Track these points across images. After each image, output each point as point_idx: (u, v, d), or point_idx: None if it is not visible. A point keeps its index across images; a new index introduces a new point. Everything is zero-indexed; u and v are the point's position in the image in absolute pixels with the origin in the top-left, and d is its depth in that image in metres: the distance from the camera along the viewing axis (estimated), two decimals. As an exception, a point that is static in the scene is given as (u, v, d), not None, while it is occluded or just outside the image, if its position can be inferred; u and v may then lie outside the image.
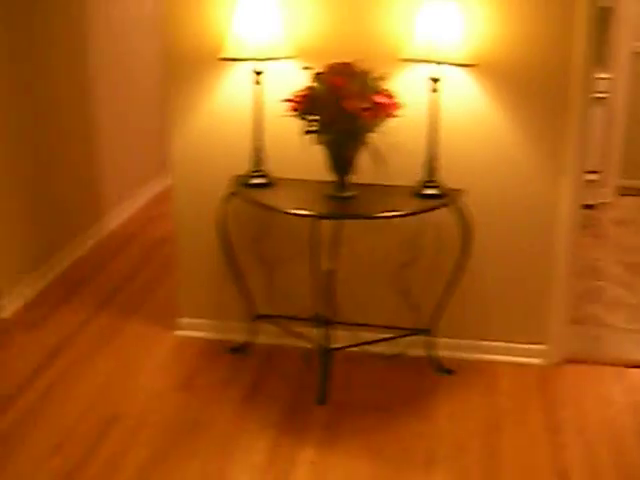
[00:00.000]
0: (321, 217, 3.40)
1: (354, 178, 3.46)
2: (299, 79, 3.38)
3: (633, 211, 6.53)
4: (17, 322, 4.29)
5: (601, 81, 5.87)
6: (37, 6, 4.55)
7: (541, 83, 3.54)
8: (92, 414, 3.45)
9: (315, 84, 3.25)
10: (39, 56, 4.62)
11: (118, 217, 5.82)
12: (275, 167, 3.66)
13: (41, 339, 4.09)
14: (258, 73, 3.48)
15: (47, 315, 4.36)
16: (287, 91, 3.36)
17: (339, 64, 3.27)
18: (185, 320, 4.11)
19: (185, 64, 3.71)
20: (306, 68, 3.32)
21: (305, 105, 3.25)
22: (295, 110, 3.27)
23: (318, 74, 3.25)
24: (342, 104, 3.17)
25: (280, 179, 3.65)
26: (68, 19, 5.00)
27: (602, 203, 6.49)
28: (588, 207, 6.08)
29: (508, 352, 3.92)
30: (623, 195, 6.73)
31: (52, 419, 3.40)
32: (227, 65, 3.61)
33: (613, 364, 3.97)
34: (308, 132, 3.27)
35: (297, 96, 3.28)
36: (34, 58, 4.56)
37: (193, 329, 4.10)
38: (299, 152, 3.48)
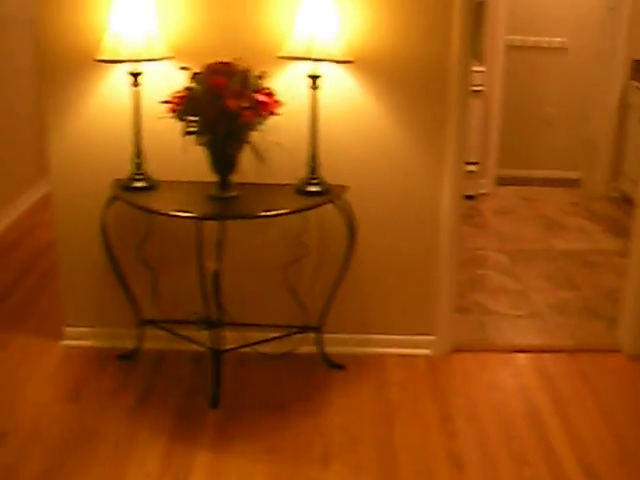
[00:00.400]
0: (204, 218, 3.37)
1: (237, 178, 3.45)
2: (179, 80, 3.33)
3: (511, 200, 6.70)
4: None
5: (477, 74, 5.99)
6: None
7: (420, 77, 3.60)
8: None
9: (193, 84, 3.22)
10: None
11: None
12: (157, 169, 3.60)
13: None
14: (135, 74, 3.42)
15: None
16: (167, 92, 3.32)
17: (218, 63, 3.25)
18: (71, 329, 4.01)
19: (62, 66, 3.61)
20: (183, 68, 3.28)
21: (184, 106, 3.21)
22: (174, 111, 3.23)
23: (196, 74, 3.22)
24: (223, 103, 3.15)
25: (162, 181, 3.59)
26: None
27: (482, 193, 6.65)
28: (469, 198, 6.21)
29: (397, 344, 3.97)
30: (500, 185, 6.90)
31: None
32: (105, 67, 3.53)
33: (499, 350, 4.07)
34: (188, 133, 3.24)
35: (175, 97, 3.24)
36: None
37: (80, 338, 4.00)
38: (181, 154, 3.44)
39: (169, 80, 3.43)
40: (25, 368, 3.83)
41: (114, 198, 3.54)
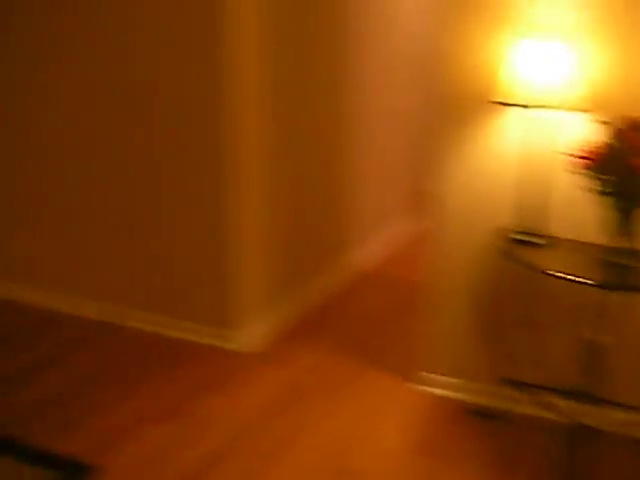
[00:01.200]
0: (602, 287, 2.93)
1: (635, 244, 3.12)
2: (577, 131, 3.13)
3: None
4: (252, 357, 4.21)
5: None
6: (299, 45, 4.49)
7: None
8: (326, 465, 3.27)
9: (612, 140, 2.93)
10: (300, 90, 4.55)
11: (364, 254, 5.69)
12: (543, 225, 3.38)
13: (275, 378, 3.98)
14: (534, 121, 3.21)
15: (283, 352, 4.26)
16: (561, 143, 3.09)
17: (634, 119, 2.95)
18: (427, 375, 3.88)
19: (457, 104, 3.49)
20: (604, 122, 2.99)
21: (600, 162, 2.93)
22: (587, 167, 2.96)
23: (618, 130, 2.93)
24: (630, 163, 2.85)
25: (548, 237, 3.36)
26: (330, 50, 4.93)
27: None
28: None
29: None
30: None
31: (287, 465, 3.26)
32: (501, 109, 3.37)
33: None
34: (600, 193, 2.95)
35: (590, 151, 2.96)
36: (296, 92, 4.49)
37: (434, 385, 3.87)
38: (570, 210, 3.18)
39: (570, 131, 3.21)
40: (374, 407, 3.75)
41: (500, 250, 3.33)
